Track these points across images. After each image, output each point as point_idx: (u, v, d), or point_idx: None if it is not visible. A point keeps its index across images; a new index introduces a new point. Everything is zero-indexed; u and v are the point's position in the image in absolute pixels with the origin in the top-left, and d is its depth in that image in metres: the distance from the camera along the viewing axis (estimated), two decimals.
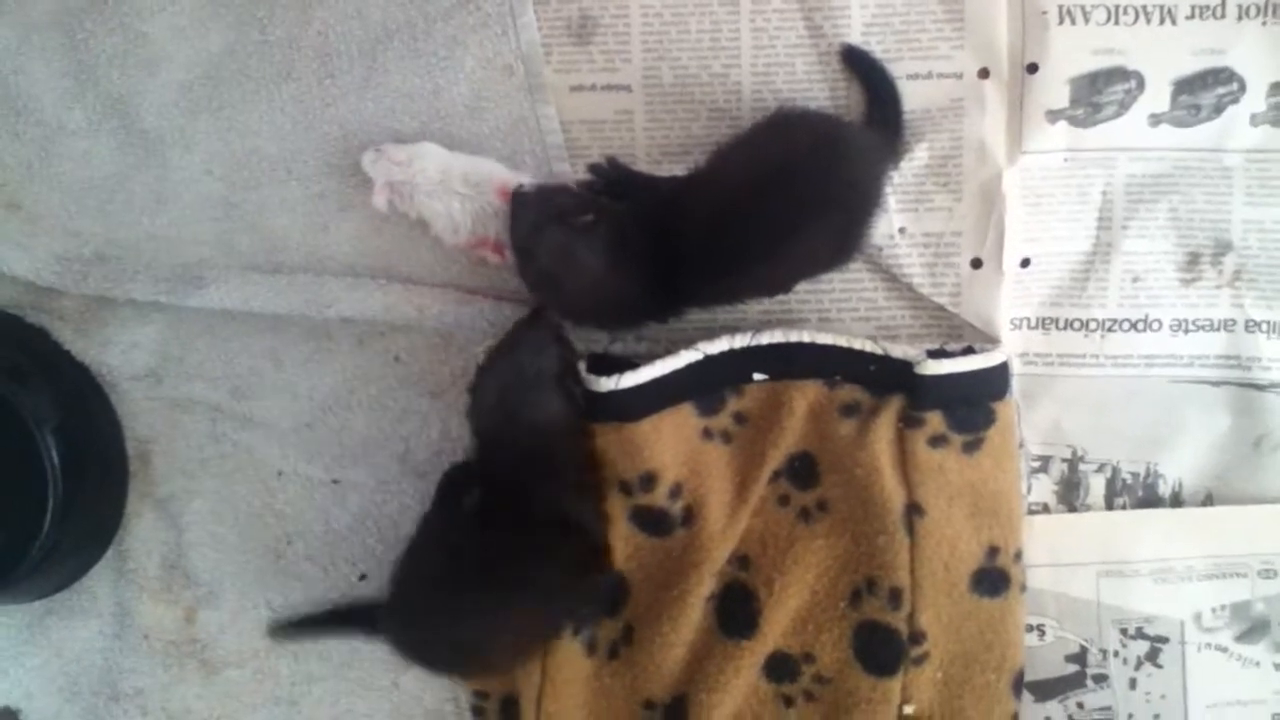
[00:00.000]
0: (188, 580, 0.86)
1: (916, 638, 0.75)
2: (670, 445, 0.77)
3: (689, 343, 0.77)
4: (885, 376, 0.77)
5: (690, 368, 0.77)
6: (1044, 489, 0.81)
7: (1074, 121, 0.78)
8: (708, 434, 0.78)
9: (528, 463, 0.73)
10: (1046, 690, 0.80)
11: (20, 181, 0.83)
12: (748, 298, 0.78)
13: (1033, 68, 0.77)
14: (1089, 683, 0.80)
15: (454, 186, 0.76)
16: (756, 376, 0.78)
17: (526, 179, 0.77)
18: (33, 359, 0.82)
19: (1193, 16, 0.76)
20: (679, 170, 0.79)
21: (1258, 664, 0.79)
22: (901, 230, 0.79)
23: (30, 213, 0.83)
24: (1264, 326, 0.79)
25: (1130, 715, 0.80)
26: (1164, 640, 0.79)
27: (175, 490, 0.86)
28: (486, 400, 0.73)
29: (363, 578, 0.85)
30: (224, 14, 0.80)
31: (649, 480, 0.76)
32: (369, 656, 0.85)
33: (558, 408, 0.73)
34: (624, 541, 0.77)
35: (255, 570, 0.85)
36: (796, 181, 0.70)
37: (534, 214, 0.73)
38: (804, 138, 0.72)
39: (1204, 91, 0.77)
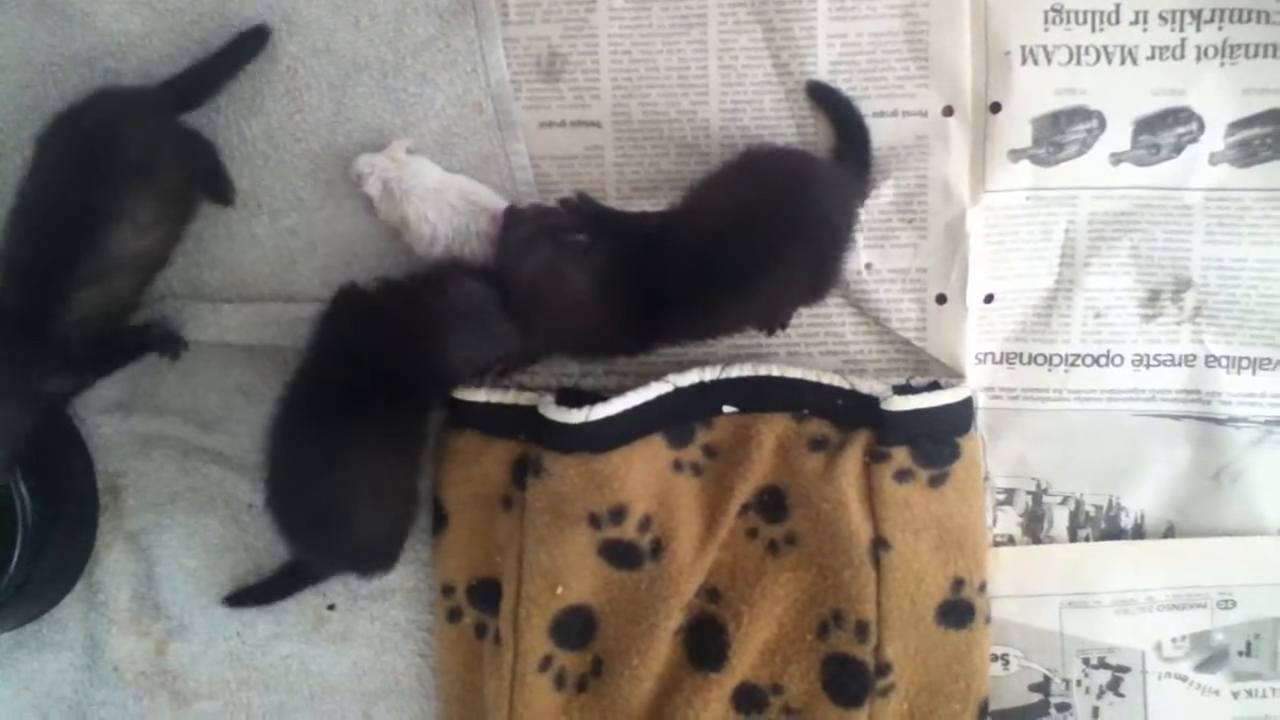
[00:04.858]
0: (158, 612, 0.86)
1: (883, 669, 0.76)
2: (640, 477, 0.77)
3: (658, 376, 0.78)
4: (853, 411, 0.78)
5: (660, 400, 0.77)
6: (1009, 521, 0.82)
7: (1036, 160, 0.78)
8: (678, 466, 0.78)
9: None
10: (1011, 719, 0.81)
11: None
12: (722, 334, 0.79)
13: (996, 107, 0.78)
14: (1052, 712, 0.81)
15: (448, 198, 0.77)
16: (726, 409, 0.79)
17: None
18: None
19: (1153, 57, 0.77)
20: (648, 205, 0.79)
21: (1217, 693, 0.80)
22: (868, 266, 0.80)
23: None
24: (1223, 362, 0.80)
25: None
26: (1125, 670, 0.80)
27: (146, 523, 0.85)
28: None
29: (331, 608, 0.85)
30: (192, 49, 0.80)
31: (619, 514, 0.77)
32: (340, 689, 0.85)
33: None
34: (592, 575, 0.77)
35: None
36: (769, 218, 0.70)
37: (529, 228, 0.73)
38: (775, 174, 0.73)
39: (1164, 131, 0.78)
